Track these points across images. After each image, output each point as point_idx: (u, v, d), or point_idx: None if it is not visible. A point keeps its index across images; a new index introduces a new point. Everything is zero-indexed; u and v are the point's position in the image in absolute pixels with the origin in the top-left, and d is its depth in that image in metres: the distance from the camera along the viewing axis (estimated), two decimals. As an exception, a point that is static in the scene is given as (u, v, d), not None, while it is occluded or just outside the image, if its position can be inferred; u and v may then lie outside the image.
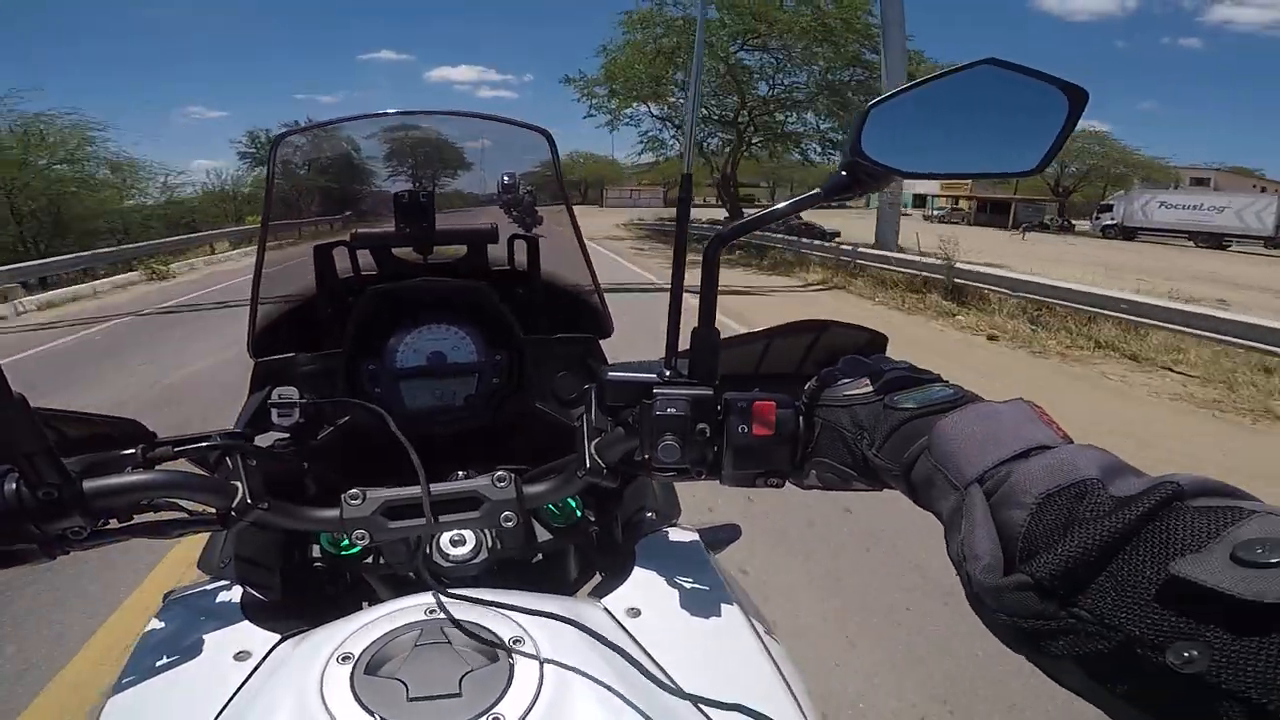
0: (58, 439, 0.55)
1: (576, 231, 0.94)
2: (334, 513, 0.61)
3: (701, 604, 0.62)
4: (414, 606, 0.52)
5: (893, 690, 1.94)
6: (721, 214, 27.07)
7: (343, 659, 0.47)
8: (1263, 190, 36.41)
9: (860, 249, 11.03)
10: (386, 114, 1.03)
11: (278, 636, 0.57)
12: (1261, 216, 27.41)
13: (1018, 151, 0.52)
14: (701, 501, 2.82)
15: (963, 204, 40.77)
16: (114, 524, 0.53)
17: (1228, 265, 19.54)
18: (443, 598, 0.53)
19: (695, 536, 0.75)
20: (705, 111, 20.42)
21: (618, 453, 0.59)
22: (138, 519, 0.54)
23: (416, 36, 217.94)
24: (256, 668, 0.54)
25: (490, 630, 0.49)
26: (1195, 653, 0.26)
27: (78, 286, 11.47)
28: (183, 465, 0.59)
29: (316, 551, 0.78)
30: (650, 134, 21.82)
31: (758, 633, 0.61)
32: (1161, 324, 6.40)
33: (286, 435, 0.77)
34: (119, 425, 0.61)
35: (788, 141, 20.44)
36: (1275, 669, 0.24)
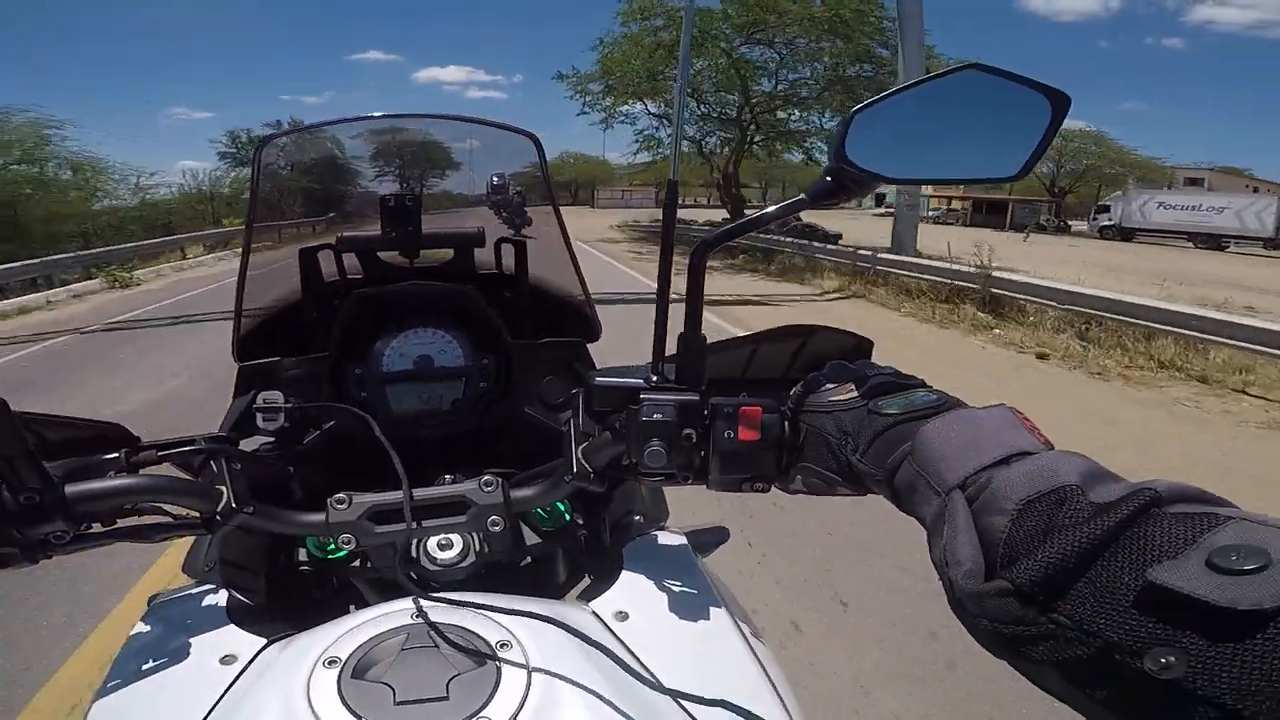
0: (39, 442, 0.51)
1: (564, 235, 0.93)
2: (319, 517, 0.61)
3: (689, 607, 0.62)
4: (401, 610, 0.52)
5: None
6: (722, 215, 26.35)
7: (329, 663, 0.47)
8: (1255, 190, 36.37)
9: (880, 254, 10.22)
10: (373, 117, 1.01)
11: (264, 640, 0.57)
12: (1261, 217, 27.13)
13: (1001, 156, 0.52)
14: (686, 498, 2.36)
15: (956, 205, 40.29)
16: (97, 528, 0.53)
17: (1231, 267, 19.09)
18: (430, 601, 0.52)
19: (683, 539, 0.76)
20: (704, 109, 19.70)
21: (605, 457, 0.59)
22: (121, 523, 0.54)
23: (405, 37, 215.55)
24: (242, 671, 0.53)
25: (477, 634, 0.49)
26: (1172, 659, 0.26)
27: (28, 297, 10.51)
28: (166, 469, 0.59)
29: (302, 555, 0.76)
30: (646, 133, 20.91)
31: (745, 635, 0.60)
32: (1226, 341, 5.72)
33: (271, 439, 0.76)
34: (102, 429, 0.61)
35: (789, 140, 19.63)
36: (1249, 674, 0.25)
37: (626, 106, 19.79)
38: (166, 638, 0.58)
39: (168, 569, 2.38)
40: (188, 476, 0.60)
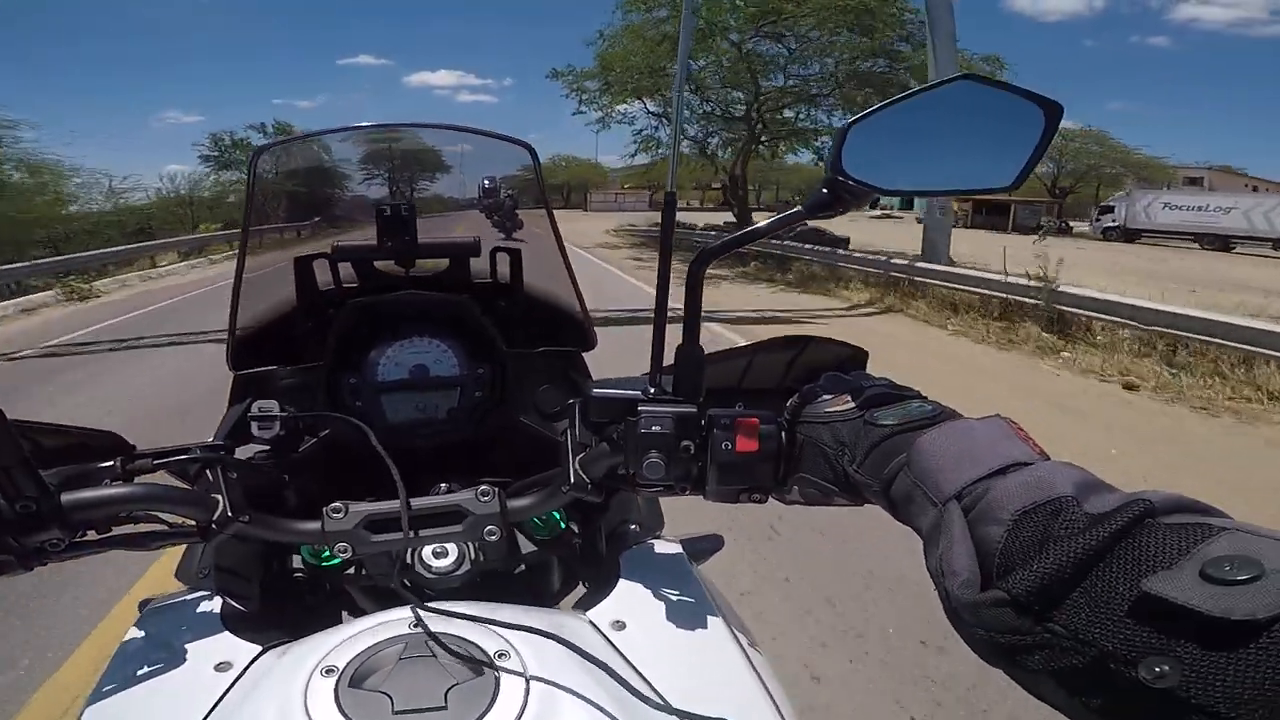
0: (34, 450, 0.52)
1: (559, 244, 0.92)
2: (315, 526, 0.61)
3: (686, 616, 0.62)
4: (398, 619, 0.52)
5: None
6: (723, 218, 25.34)
7: (326, 671, 0.47)
8: (1255, 189, 35.97)
9: (916, 263, 9.24)
10: (369, 126, 1.04)
11: (259, 648, 0.56)
12: (1270, 218, 26.55)
13: (996, 166, 0.52)
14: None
15: (956, 206, 39.58)
16: (92, 535, 0.53)
17: (1260, 269, 18.33)
18: (427, 611, 0.52)
19: (679, 548, 0.75)
20: (708, 108, 18.64)
21: (602, 468, 0.59)
22: (116, 531, 0.54)
23: (396, 41, 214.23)
24: (238, 679, 0.53)
25: (476, 644, 0.49)
26: (1166, 668, 0.27)
27: (-33, 314, 9.44)
28: (161, 477, 0.59)
29: (297, 562, 0.76)
30: (645, 133, 19.77)
31: (741, 645, 0.60)
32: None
33: (266, 447, 0.75)
34: (97, 437, 0.61)
35: (798, 139, 18.47)
36: (1243, 683, 0.25)
37: (625, 106, 18.71)
38: (160, 644, 0.58)
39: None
40: (183, 485, 0.60)
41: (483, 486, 0.63)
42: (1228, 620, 0.25)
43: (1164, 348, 6.12)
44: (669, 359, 0.56)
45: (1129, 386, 5.65)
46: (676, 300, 0.54)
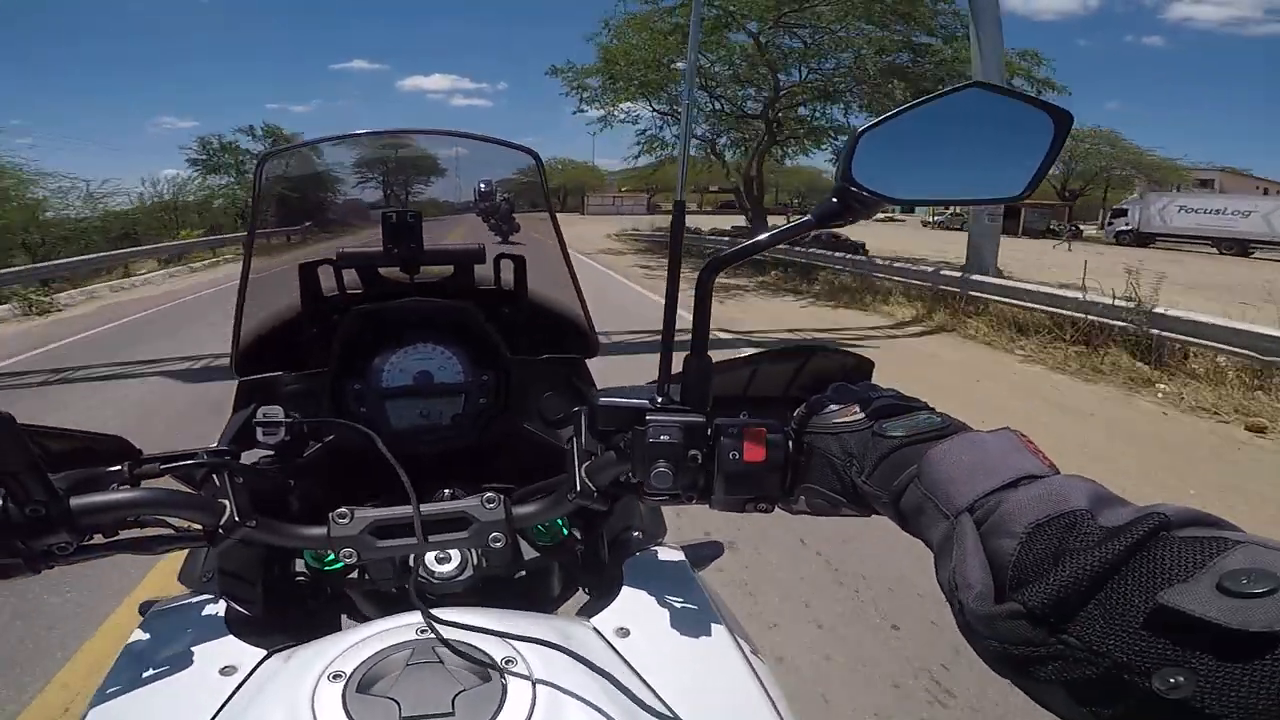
0: (42, 454, 0.51)
1: (564, 251, 0.91)
2: (321, 531, 0.61)
3: (690, 624, 0.62)
4: (405, 625, 0.52)
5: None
6: (734, 221, 24.35)
7: (334, 677, 0.47)
8: (1265, 191, 35.28)
9: (970, 276, 8.23)
10: (374, 132, 1.01)
11: (263, 651, 0.56)
12: (1292, 222, 25.82)
13: (1005, 175, 0.52)
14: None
15: (962, 209, 38.75)
16: (99, 539, 0.53)
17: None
18: (436, 620, 0.52)
19: (681, 555, 0.75)
20: (718, 105, 17.57)
21: (608, 477, 0.59)
22: (124, 535, 0.54)
23: (389, 46, 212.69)
24: (243, 683, 0.53)
25: (482, 650, 0.49)
26: (1181, 679, 0.27)
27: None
28: (167, 482, 0.59)
29: (299, 566, 0.76)
30: (649, 132, 18.70)
31: (744, 653, 0.60)
32: None
33: (270, 452, 0.75)
34: (104, 441, 0.61)
35: (817, 137, 17.22)
36: (1257, 695, 0.25)
37: (629, 104, 17.61)
38: (165, 646, 0.58)
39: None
40: (188, 489, 0.60)
41: (489, 493, 0.63)
42: (1245, 632, 0.25)
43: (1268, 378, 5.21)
44: (674, 367, 0.56)
45: (1256, 429, 4.72)
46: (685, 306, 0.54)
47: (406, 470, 0.62)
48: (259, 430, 0.71)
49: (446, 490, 0.74)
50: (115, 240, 19.71)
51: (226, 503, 0.57)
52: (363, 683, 0.46)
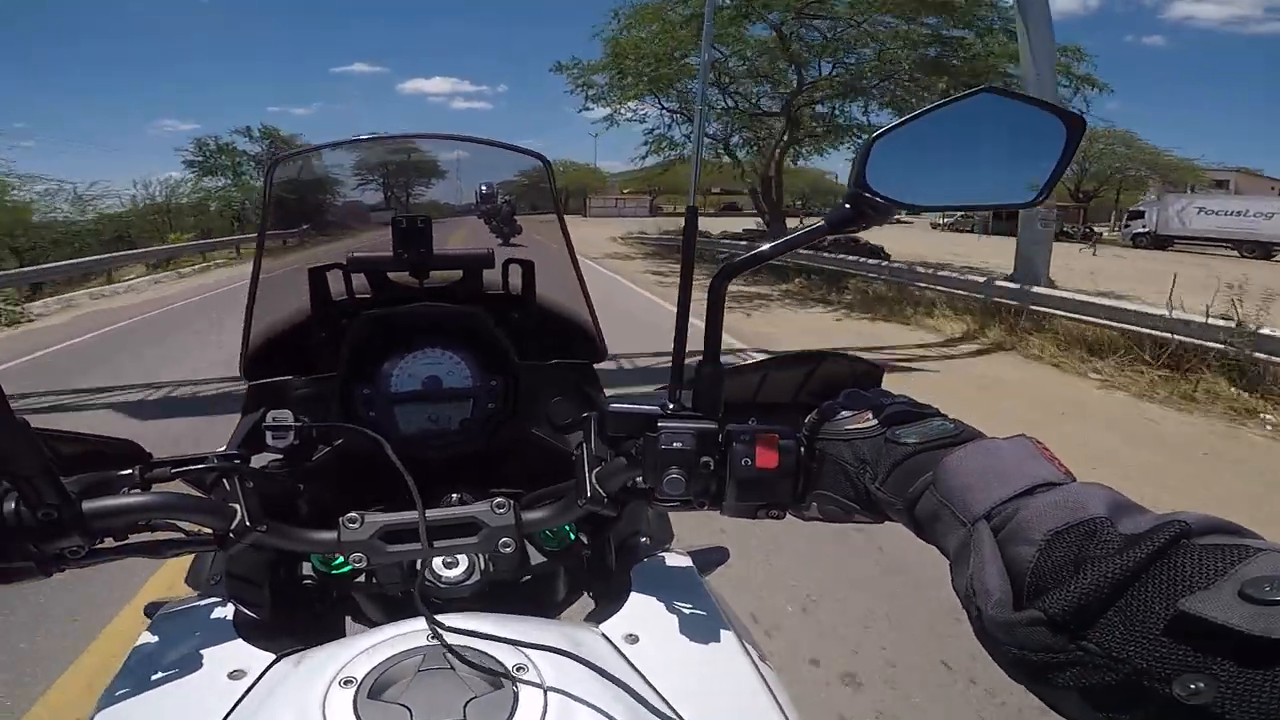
0: (53, 458, 0.50)
1: (572, 256, 0.91)
2: (331, 535, 0.61)
3: (698, 630, 0.61)
4: (415, 631, 0.52)
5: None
6: (742, 224, 23.46)
7: (345, 683, 0.47)
8: (1278, 191, 34.54)
9: (1030, 288, 7.34)
10: (382, 137, 1.01)
11: (272, 655, 0.56)
12: (1318, 224, 25.08)
13: (1019, 181, 0.53)
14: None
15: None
16: (110, 543, 0.53)
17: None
18: (443, 624, 0.52)
19: (689, 561, 0.75)
20: (732, 103, 16.68)
21: (619, 482, 0.59)
22: (134, 538, 0.54)
23: (389, 49, 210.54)
24: (251, 687, 0.53)
25: (493, 657, 0.49)
26: (1201, 685, 0.27)
27: None
28: (178, 486, 0.59)
29: (305, 569, 0.75)
30: (657, 131, 17.79)
31: (753, 660, 0.60)
32: None
33: (279, 456, 0.75)
34: (114, 445, 0.61)
35: (834, 137, 16.18)
36: (1279, 701, 0.25)
37: (636, 102, 16.71)
38: (173, 649, 0.58)
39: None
40: (198, 493, 0.60)
41: (498, 499, 0.63)
42: (1267, 639, 0.25)
43: None
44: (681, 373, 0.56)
45: None
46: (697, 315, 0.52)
47: (415, 474, 0.62)
48: (268, 434, 0.71)
49: (454, 495, 0.73)
50: (108, 244, 19.30)
51: (237, 507, 0.56)
52: (374, 689, 0.46)
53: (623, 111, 16.84)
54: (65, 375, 6.15)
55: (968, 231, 37.80)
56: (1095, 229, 33.99)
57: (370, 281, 0.90)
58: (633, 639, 0.59)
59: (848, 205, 0.51)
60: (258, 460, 0.72)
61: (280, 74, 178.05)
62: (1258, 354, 5.24)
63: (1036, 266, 8.22)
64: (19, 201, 19.46)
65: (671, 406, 0.55)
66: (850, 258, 11.26)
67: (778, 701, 0.55)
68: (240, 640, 0.58)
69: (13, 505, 0.46)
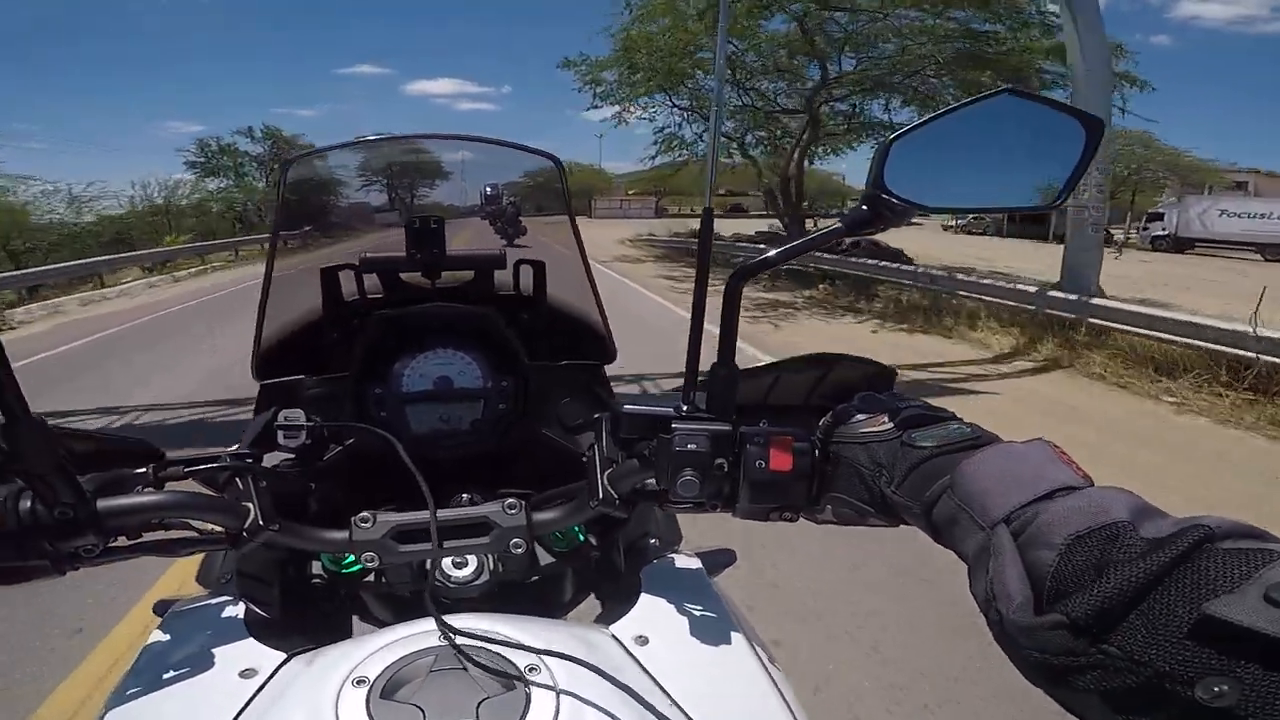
0: (68, 456, 0.50)
1: (583, 257, 0.91)
2: (343, 535, 0.61)
3: (708, 632, 0.61)
4: (427, 631, 0.52)
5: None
6: (757, 225, 22.81)
7: (358, 682, 0.47)
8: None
9: (1088, 300, 6.65)
10: (394, 138, 1.01)
11: (282, 654, 0.56)
12: (1347, 228, 24.41)
13: (1038, 184, 0.52)
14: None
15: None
16: (123, 541, 0.53)
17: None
18: (454, 625, 0.52)
19: (698, 563, 0.75)
20: (748, 100, 16.02)
21: (630, 484, 0.59)
22: (147, 537, 0.54)
23: (394, 50, 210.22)
24: (263, 685, 0.53)
25: (506, 658, 0.49)
26: (1225, 687, 0.27)
27: None
28: (190, 484, 0.59)
29: (315, 568, 0.76)
30: (667, 130, 17.11)
31: (763, 662, 0.60)
32: None
33: (291, 455, 0.75)
34: (127, 444, 0.61)
35: (864, 132, 15.52)
36: None
37: (646, 99, 16.10)
38: (184, 647, 0.58)
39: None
40: (211, 492, 0.60)
41: (510, 500, 0.63)
42: None
43: None
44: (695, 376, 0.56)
45: None
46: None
47: (425, 474, 0.62)
48: (280, 433, 0.71)
49: (465, 495, 0.74)
50: (107, 245, 19.06)
51: (250, 506, 0.57)
52: (386, 689, 0.46)
53: (632, 109, 16.27)
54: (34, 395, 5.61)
55: (979, 234, 37.15)
56: (1110, 231, 33.30)
57: (382, 282, 0.90)
58: (643, 641, 0.59)
59: (865, 207, 0.50)
60: (269, 459, 0.71)
61: (284, 75, 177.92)
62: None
63: (1087, 275, 7.59)
64: (14, 204, 19.10)
65: (685, 408, 0.54)
66: (873, 262, 10.61)
67: (788, 704, 0.56)
68: (251, 639, 0.58)
69: (29, 504, 0.47)
